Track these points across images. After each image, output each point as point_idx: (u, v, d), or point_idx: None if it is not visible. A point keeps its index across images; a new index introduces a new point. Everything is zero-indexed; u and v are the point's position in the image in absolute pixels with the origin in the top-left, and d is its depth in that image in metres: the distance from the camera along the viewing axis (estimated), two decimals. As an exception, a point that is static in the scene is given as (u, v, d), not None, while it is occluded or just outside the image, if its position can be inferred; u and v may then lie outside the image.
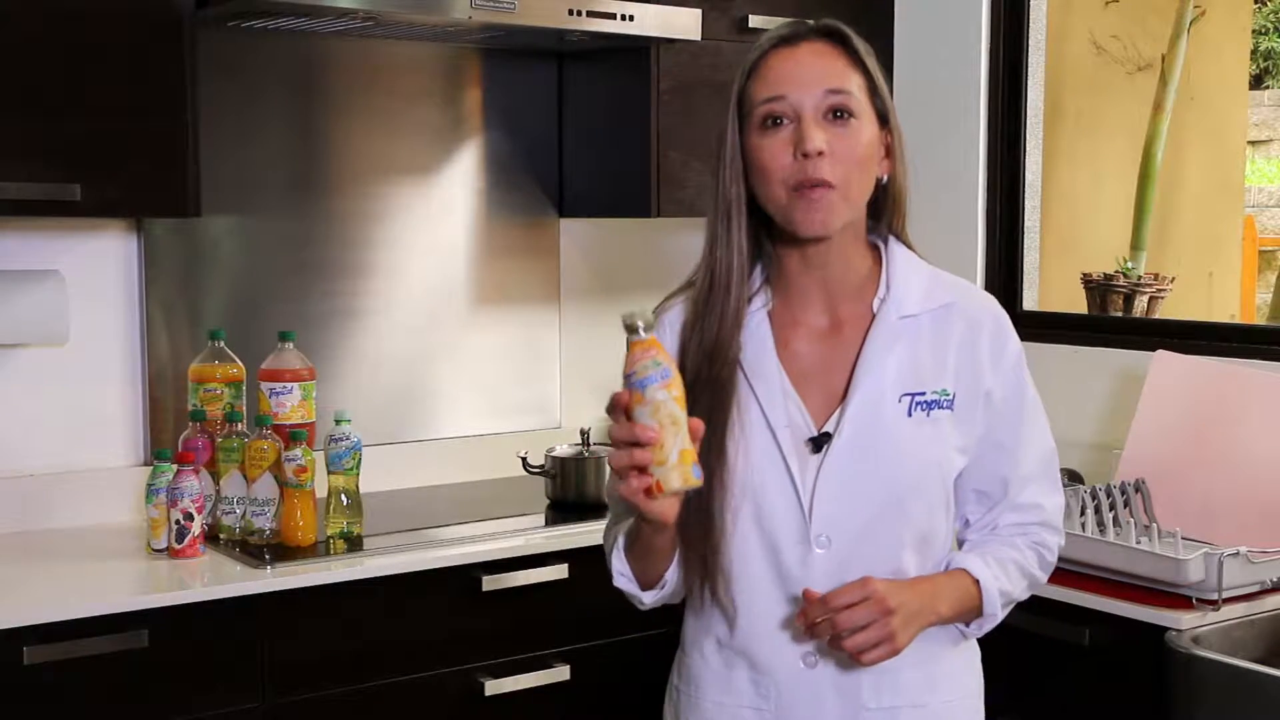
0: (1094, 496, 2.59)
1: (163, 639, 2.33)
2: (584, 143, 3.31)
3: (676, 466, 1.48)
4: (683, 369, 1.57)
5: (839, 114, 1.63)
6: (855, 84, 1.64)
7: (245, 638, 2.42)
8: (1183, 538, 2.48)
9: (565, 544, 2.72)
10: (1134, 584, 2.42)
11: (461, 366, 3.27)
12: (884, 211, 1.73)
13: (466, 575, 2.62)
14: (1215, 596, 2.32)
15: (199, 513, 2.53)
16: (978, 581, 1.67)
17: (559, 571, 2.70)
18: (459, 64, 3.23)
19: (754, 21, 3.17)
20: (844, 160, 1.62)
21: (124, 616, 2.30)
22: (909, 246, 1.75)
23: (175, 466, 2.54)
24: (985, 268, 3.42)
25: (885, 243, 1.74)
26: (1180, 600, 2.35)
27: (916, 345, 1.69)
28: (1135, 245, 4.57)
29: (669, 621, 1.87)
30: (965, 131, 3.41)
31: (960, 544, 1.76)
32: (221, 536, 2.65)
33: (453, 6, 2.70)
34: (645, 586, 1.69)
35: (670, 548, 1.64)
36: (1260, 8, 6.60)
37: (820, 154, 1.60)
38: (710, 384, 1.65)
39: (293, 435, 2.64)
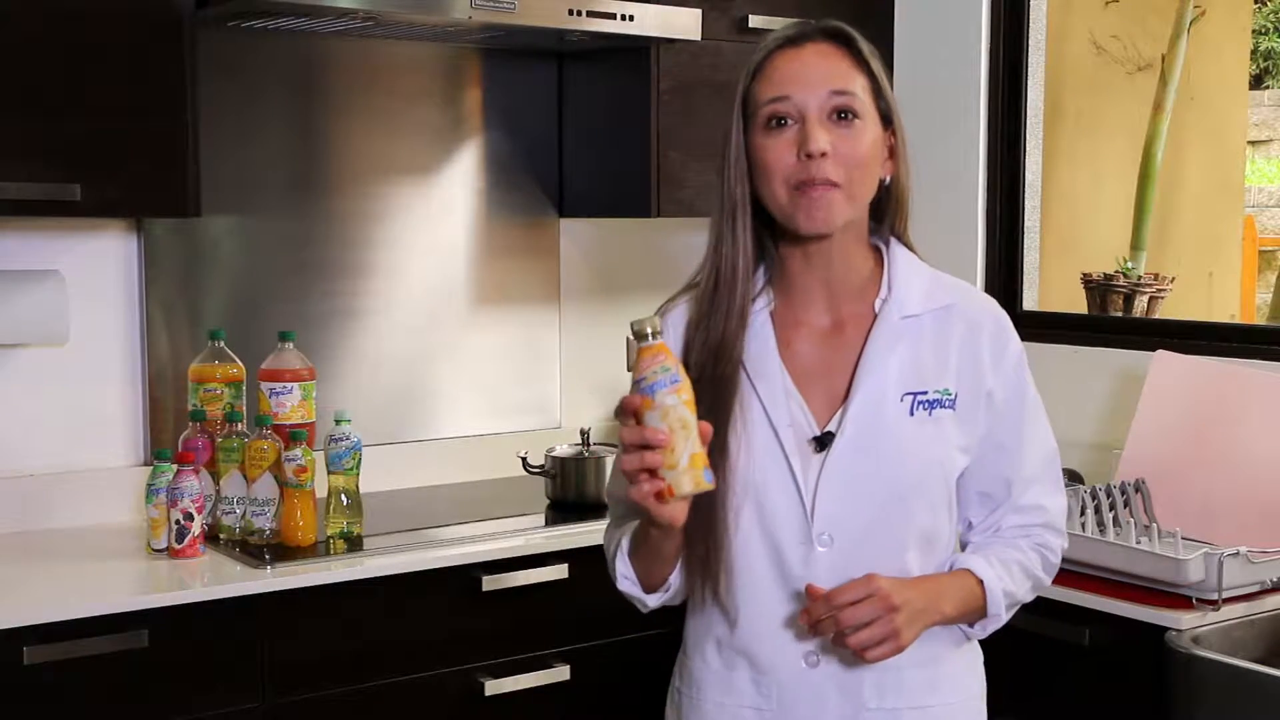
0: (1094, 496, 2.59)
1: (163, 639, 2.33)
2: (584, 143, 3.31)
3: (687, 470, 1.49)
4: (686, 367, 1.57)
5: (843, 115, 1.63)
6: (859, 85, 1.65)
7: (245, 638, 2.42)
8: (1183, 538, 2.48)
9: (565, 544, 2.72)
10: (1134, 584, 2.42)
11: (461, 366, 3.27)
12: (886, 212, 1.74)
13: (466, 575, 2.62)
14: (1215, 596, 2.32)
15: (199, 513, 2.53)
16: (981, 582, 1.68)
17: (559, 571, 2.70)
18: (459, 64, 3.23)
19: (754, 21, 3.17)
20: (847, 161, 1.63)
21: (124, 616, 2.30)
22: (910, 248, 1.75)
23: (175, 466, 2.54)
24: (985, 268, 3.42)
25: (887, 244, 1.74)
26: (1180, 600, 2.35)
27: (918, 345, 1.69)
28: (1135, 245, 4.57)
29: (669, 622, 1.87)
30: (965, 131, 3.41)
31: (963, 546, 1.77)
32: (221, 536, 2.65)
33: (453, 6, 2.70)
34: (649, 589, 1.69)
35: (675, 551, 1.65)
36: (1260, 8, 6.60)
37: (824, 154, 1.61)
38: (713, 383, 1.65)
39: (293, 435, 2.64)
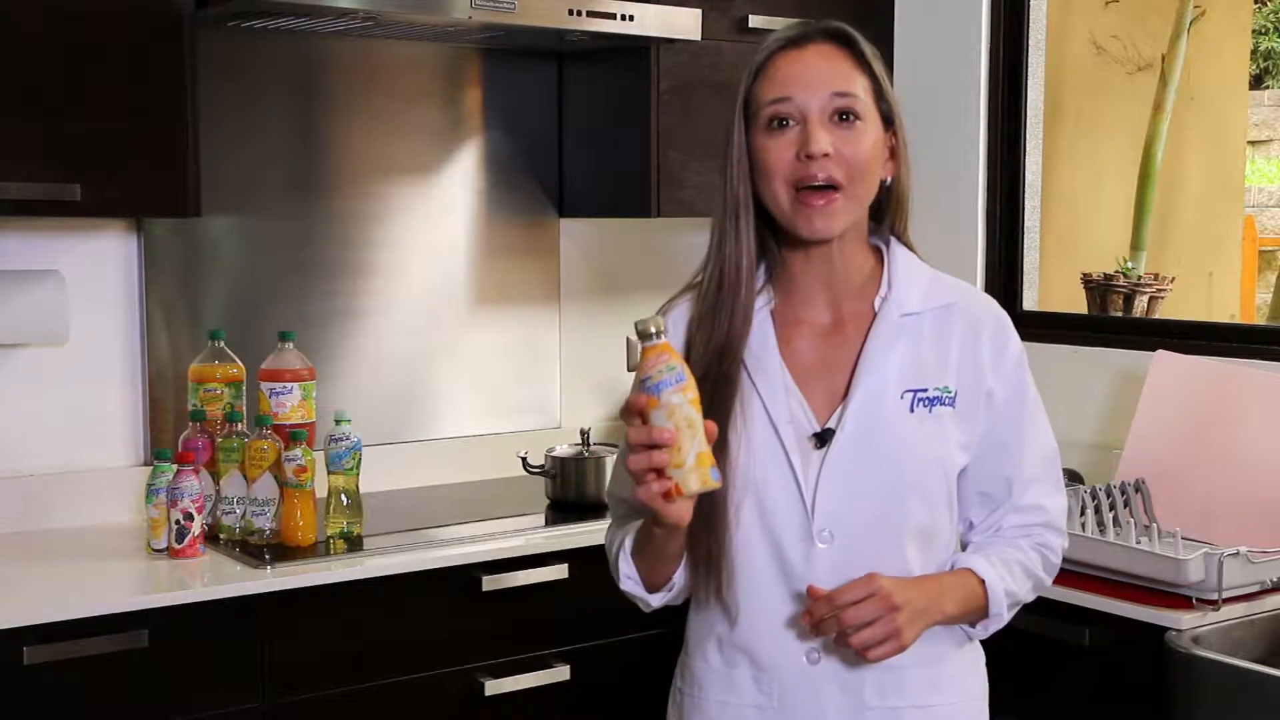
0: (1094, 496, 2.59)
1: (163, 639, 2.33)
2: (584, 143, 3.31)
3: (694, 469, 1.49)
4: (691, 366, 1.57)
5: (844, 116, 1.64)
6: (861, 86, 1.65)
7: (245, 638, 2.42)
8: (1183, 538, 2.48)
9: (565, 544, 2.72)
10: (1134, 584, 2.42)
11: (461, 366, 3.27)
12: (886, 212, 1.74)
13: (466, 575, 2.62)
14: (1215, 596, 2.32)
15: (199, 513, 2.53)
16: (983, 581, 1.68)
17: (559, 571, 2.70)
18: (459, 64, 3.23)
19: (754, 21, 3.17)
20: (848, 162, 1.63)
21: (124, 616, 2.30)
22: (911, 248, 1.76)
23: (175, 466, 2.54)
24: (985, 268, 3.42)
25: (887, 244, 1.75)
26: (1180, 600, 2.35)
27: (918, 343, 1.70)
28: (1135, 245, 4.57)
29: (669, 622, 1.88)
30: (965, 131, 3.41)
31: (964, 546, 1.77)
32: (221, 536, 2.65)
33: (453, 6, 2.70)
34: (652, 589, 1.70)
35: (679, 551, 1.65)
36: (1260, 8, 6.60)
37: (825, 156, 1.62)
38: (714, 381, 1.65)
39: (293, 435, 2.64)
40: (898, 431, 1.66)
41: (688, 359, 1.63)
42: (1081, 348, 3.20)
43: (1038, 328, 3.18)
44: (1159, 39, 4.62)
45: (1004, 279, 3.40)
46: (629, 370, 3.46)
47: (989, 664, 1.80)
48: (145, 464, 2.84)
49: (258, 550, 2.57)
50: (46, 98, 2.47)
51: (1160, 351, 2.89)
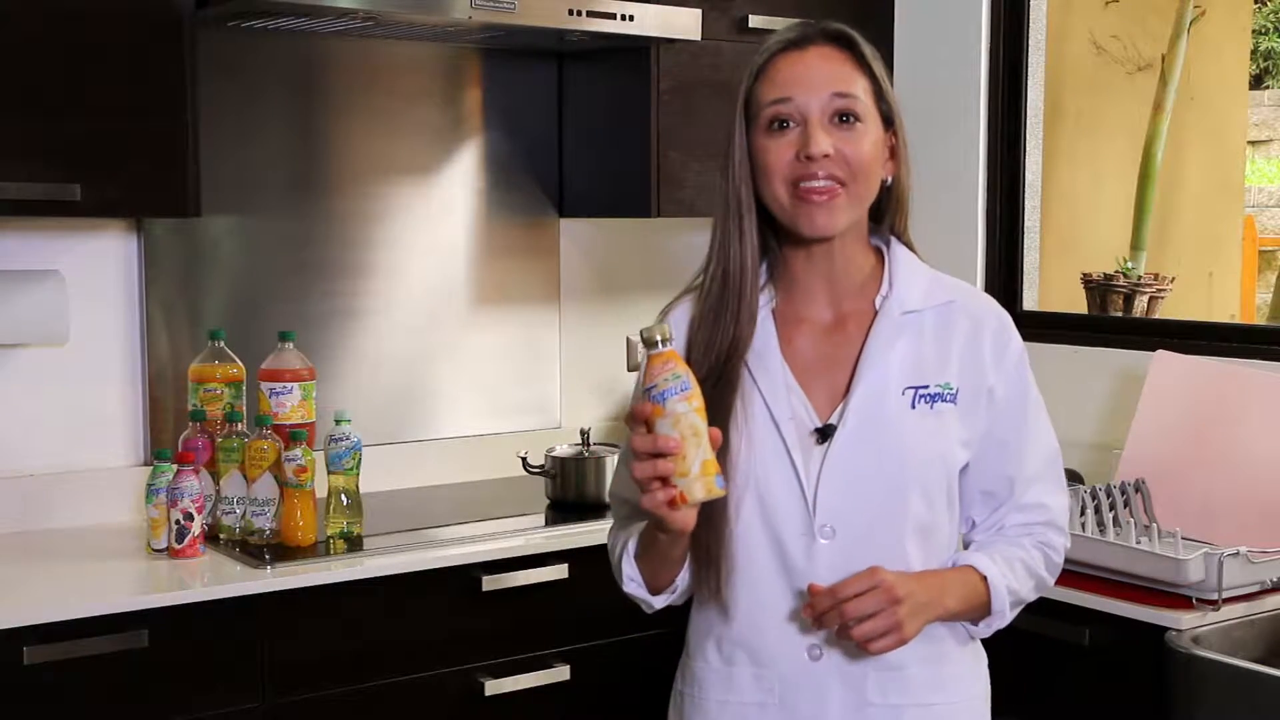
0: (1094, 496, 2.59)
1: (163, 639, 2.33)
2: (584, 143, 3.31)
3: (699, 478, 1.50)
4: (689, 364, 1.58)
5: (845, 117, 1.65)
6: (861, 88, 1.66)
7: (245, 638, 2.42)
8: (1183, 538, 2.48)
9: (565, 544, 2.72)
10: (1134, 584, 2.42)
11: (461, 366, 3.27)
12: (886, 212, 1.75)
13: (466, 575, 2.62)
14: (1215, 596, 2.32)
15: (199, 513, 2.53)
16: (985, 578, 1.68)
17: (559, 571, 2.70)
18: (459, 64, 3.23)
19: (754, 21, 3.17)
20: (849, 163, 1.64)
21: (124, 616, 2.30)
22: (911, 247, 1.77)
23: (175, 466, 2.54)
24: (985, 268, 3.42)
25: (888, 244, 1.75)
26: (1180, 600, 2.35)
27: (919, 340, 1.71)
28: (1135, 245, 4.57)
29: (669, 622, 1.88)
30: (965, 131, 3.41)
31: (966, 546, 1.77)
32: (221, 536, 2.65)
33: (453, 6, 2.70)
34: (655, 591, 1.70)
35: (682, 555, 1.66)
36: (1260, 8, 6.60)
37: (826, 157, 1.62)
38: (716, 379, 1.66)
39: (293, 435, 2.64)
40: (899, 427, 1.67)
41: (688, 359, 1.63)
42: (1081, 348, 3.20)
43: (1038, 328, 3.18)
44: (1159, 39, 4.62)
45: (1004, 279, 3.40)
46: (629, 370, 3.46)
47: (989, 664, 1.80)
48: (145, 464, 2.84)
49: (258, 550, 2.57)
50: (46, 98, 2.47)
51: (1160, 351, 2.89)
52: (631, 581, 1.70)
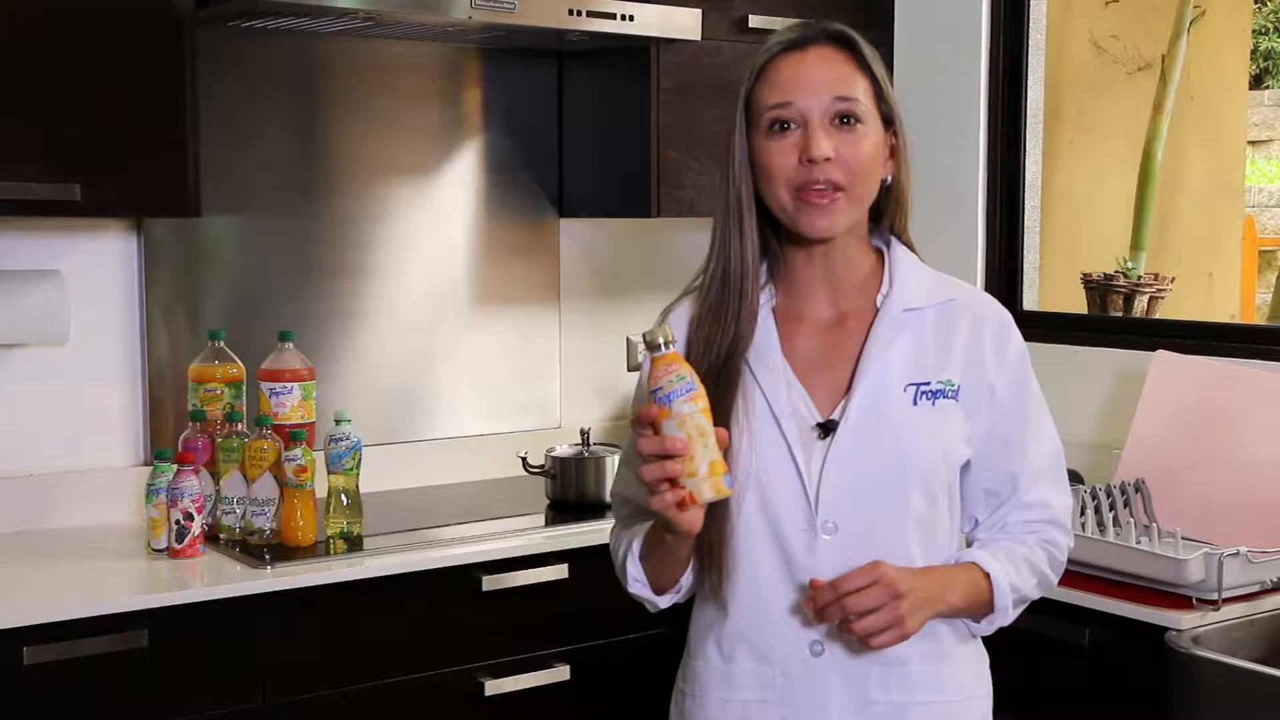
0: (1094, 496, 2.59)
1: (163, 639, 2.33)
2: (584, 143, 3.31)
3: (707, 478, 1.51)
4: (692, 364, 1.59)
5: (845, 120, 1.66)
6: (862, 89, 1.67)
7: (245, 638, 2.42)
8: (1183, 538, 2.48)
9: (565, 544, 2.72)
10: (1134, 584, 2.42)
11: (461, 366, 3.27)
12: (886, 211, 1.75)
13: (466, 575, 2.62)
14: (1215, 596, 2.32)
15: (199, 513, 2.53)
16: (988, 575, 1.68)
17: (559, 571, 2.70)
18: (459, 64, 3.23)
19: (754, 21, 3.17)
20: (850, 165, 1.65)
21: (124, 616, 2.30)
22: (911, 247, 1.78)
23: (175, 466, 2.54)
24: (985, 268, 3.42)
25: (888, 244, 1.76)
26: (1180, 600, 2.35)
27: (920, 337, 1.71)
28: (1135, 245, 4.56)
29: (669, 622, 1.88)
30: (965, 131, 3.41)
31: (969, 544, 1.77)
32: (221, 536, 2.65)
33: (453, 6, 2.70)
34: (659, 591, 1.71)
35: (688, 555, 1.67)
36: (1260, 8, 6.60)
37: (827, 160, 1.63)
38: (717, 378, 1.66)
39: (293, 435, 2.64)
40: (901, 423, 1.67)
41: (688, 357, 1.63)
42: (1081, 348, 3.20)
43: (1038, 328, 3.18)
44: (1159, 39, 4.61)
45: (1004, 279, 3.40)
46: (629, 370, 3.47)
47: (989, 664, 1.80)
48: (145, 464, 2.84)
49: (258, 550, 2.57)
50: (46, 98, 2.47)
51: (1160, 351, 2.89)
52: (636, 582, 1.71)
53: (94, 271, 2.84)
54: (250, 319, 2.97)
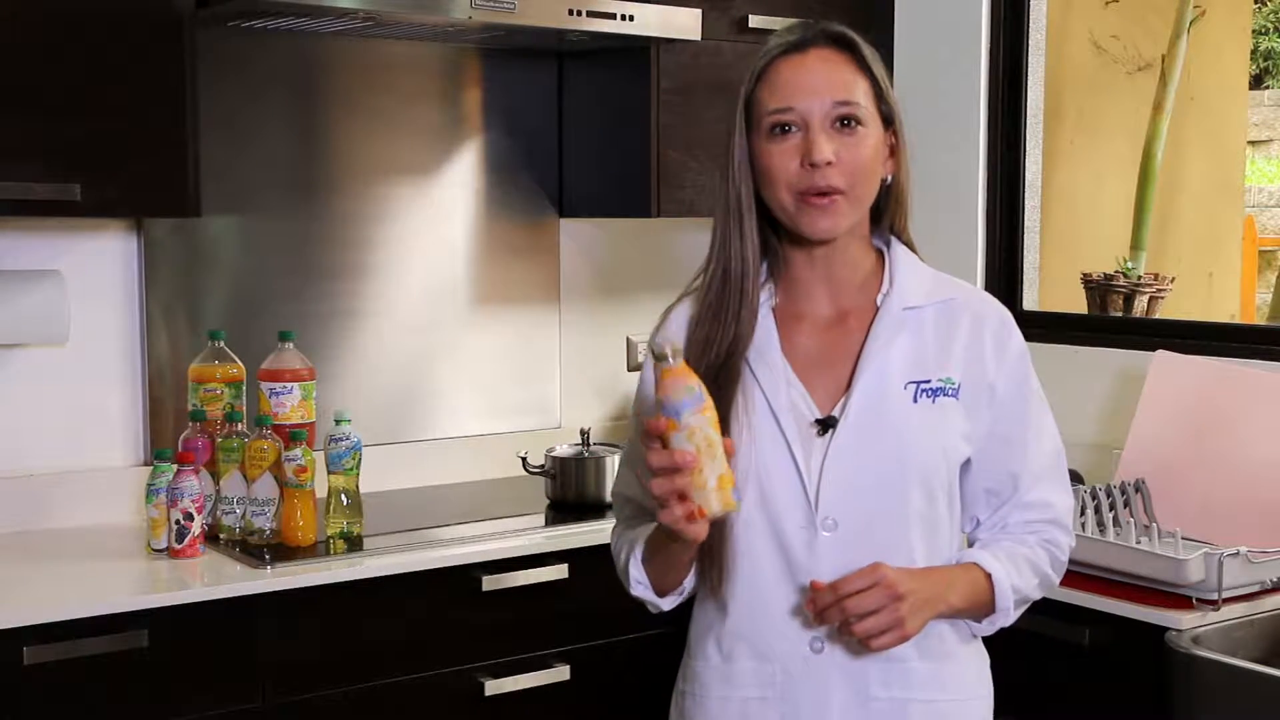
0: (1094, 496, 2.59)
1: (163, 639, 2.33)
2: (584, 143, 3.31)
3: (716, 491, 1.51)
4: (693, 364, 1.59)
5: (846, 122, 1.66)
6: (862, 91, 1.67)
7: (245, 638, 2.42)
8: (1183, 538, 2.48)
9: (565, 544, 2.72)
10: (1134, 584, 2.42)
11: (461, 366, 3.27)
12: (886, 210, 1.76)
13: (466, 575, 2.62)
14: (1215, 596, 2.32)
15: (199, 513, 2.53)
16: (989, 576, 1.68)
17: (559, 571, 2.70)
18: (459, 64, 3.23)
19: (754, 21, 3.17)
20: (851, 167, 1.65)
21: (124, 616, 2.30)
22: (911, 246, 1.78)
23: (175, 466, 2.54)
24: (985, 268, 3.42)
25: (888, 244, 1.76)
26: (1180, 600, 2.35)
27: (920, 335, 1.72)
28: (1135, 245, 4.56)
29: (669, 622, 1.87)
30: (965, 131, 3.41)
31: (971, 545, 1.77)
32: (221, 536, 2.65)
33: (453, 6, 2.70)
34: (662, 593, 1.71)
35: (692, 558, 1.67)
36: (1260, 8, 6.60)
37: (829, 164, 1.63)
38: (717, 376, 1.67)
39: (293, 435, 2.64)
40: (901, 421, 1.67)
41: (687, 357, 1.64)
42: (1081, 348, 3.20)
43: (1038, 328, 3.18)
44: (1159, 39, 4.61)
45: (1004, 279, 3.40)
46: (629, 370, 3.47)
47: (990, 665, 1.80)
48: (145, 464, 2.84)
49: (258, 550, 2.57)
50: (46, 98, 2.47)
51: (1160, 351, 2.89)
52: (639, 585, 1.71)
53: (94, 271, 2.84)
54: (250, 319, 2.97)
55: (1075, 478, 2.90)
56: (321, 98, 3.07)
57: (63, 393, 2.83)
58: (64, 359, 2.82)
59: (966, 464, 1.73)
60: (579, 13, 2.81)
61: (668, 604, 1.73)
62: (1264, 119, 7.00)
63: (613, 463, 2.97)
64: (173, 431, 2.85)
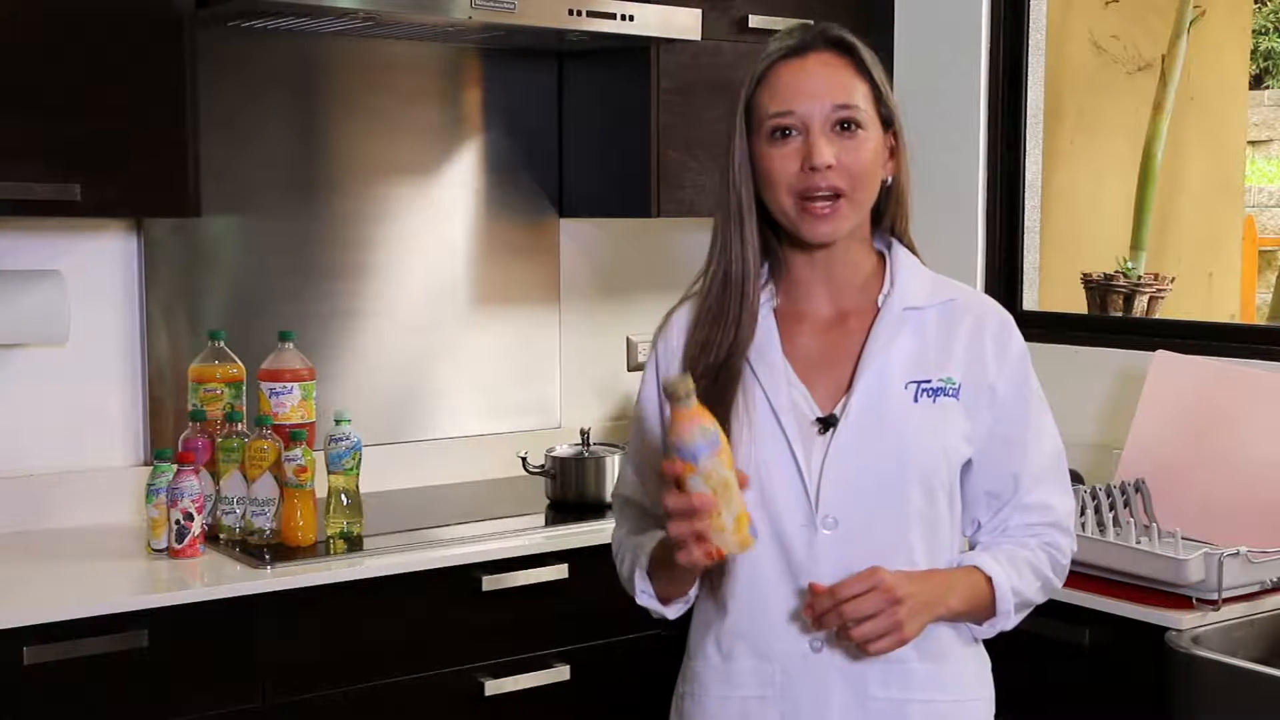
0: (1094, 496, 2.59)
1: (163, 639, 2.33)
2: (584, 143, 3.31)
3: (734, 532, 1.52)
4: (690, 364, 1.59)
5: (846, 126, 1.66)
6: (861, 95, 1.68)
7: (245, 638, 2.42)
8: (1183, 538, 2.48)
9: (565, 544, 2.72)
10: (1134, 584, 2.42)
11: (461, 366, 3.27)
12: (887, 212, 1.76)
13: (466, 575, 2.62)
14: (1215, 596, 2.32)
15: (199, 513, 2.53)
16: (990, 579, 1.68)
17: (559, 571, 2.70)
18: (459, 64, 3.23)
19: (754, 21, 3.17)
20: (851, 170, 1.66)
21: (124, 616, 2.30)
22: (912, 247, 1.78)
23: (175, 466, 2.54)
24: (985, 268, 3.42)
25: (889, 246, 1.77)
26: (1180, 600, 2.35)
27: (921, 335, 1.72)
28: (1135, 245, 4.56)
29: (669, 622, 1.87)
30: (965, 131, 3.41)
31: (972, 548, 1.77)
32: (221, 536, 2.65)
33: (453, 6, 2.70)
34: (666, 601, 1.72)
35: (699, 571, 1.67)
36: (1260, 8, 6.60)
37: (829, 167, 1.64)
38: (717, 377, 1.67)
39: (293, 435, 2.64)
40: (901, 420, 1.68)
41: (685, 359, 1.64)
42: (1081, 348, 3.20)
43: (1038, 328, 3.18)
44: (1159, 39, 4.61)
45: (1004, 279, 3.40)
46: (629, 370, 3.47)
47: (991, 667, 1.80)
48: (145, 464, 2.84)
49: (258, 550, 2.57)
50: (46, 98, 2.47)
51: (1160, 351, 2.89)
52: (644, 594, 1.72)
53: (94, 271, 2.84)
54: (250, 319, 2.97)
55: (1075, 478, 2.90)
56: (321, 98, 3.07)
57: (63, 393, 2.83)
58: (64, 359, 2.82)
59: (967, 466, 1.73)
60: (579, 13, 2.81)
61: (673, 612, 1.73)
62: (1264, 119, 7.00)
63: (613, 463, 2.97)
64: (173, 431, 2.85)
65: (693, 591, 1.71)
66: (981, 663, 1.78)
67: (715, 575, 1.68)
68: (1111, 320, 3.80)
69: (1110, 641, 2.41)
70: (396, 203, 3.16)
